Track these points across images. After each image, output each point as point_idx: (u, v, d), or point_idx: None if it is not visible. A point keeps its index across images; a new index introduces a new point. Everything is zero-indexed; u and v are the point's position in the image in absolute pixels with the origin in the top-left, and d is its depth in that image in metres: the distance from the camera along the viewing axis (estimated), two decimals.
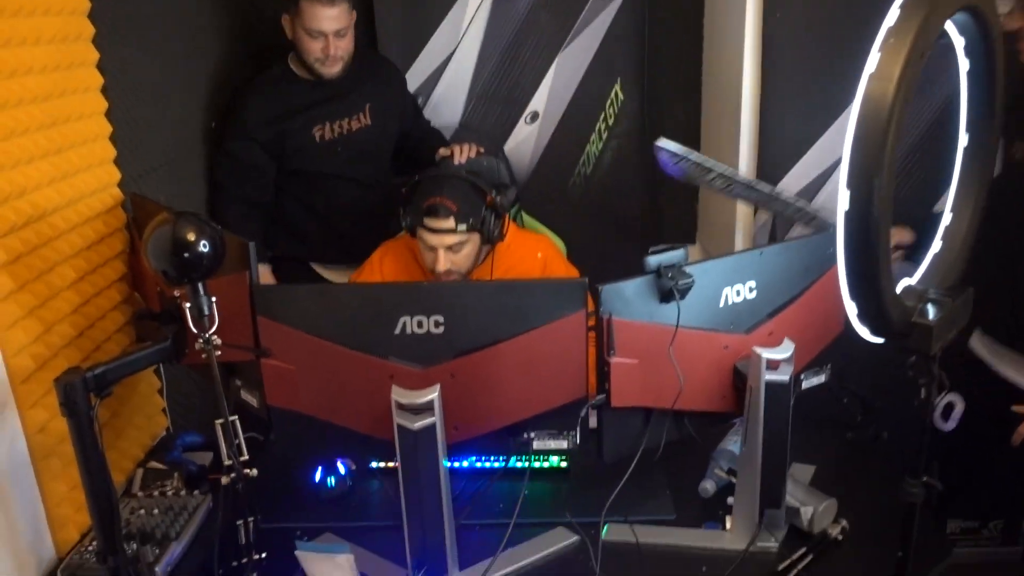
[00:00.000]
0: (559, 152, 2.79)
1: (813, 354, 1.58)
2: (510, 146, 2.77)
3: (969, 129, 1.25)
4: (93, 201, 1.70)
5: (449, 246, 1.88)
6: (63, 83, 1.60)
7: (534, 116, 2.75)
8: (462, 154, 2.30)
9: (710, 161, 1.99)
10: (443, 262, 1.88)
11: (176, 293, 1.44)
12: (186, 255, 1.32)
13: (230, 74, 2.43)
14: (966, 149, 1.26)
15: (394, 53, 2.63)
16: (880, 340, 1.14)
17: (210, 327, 1.36)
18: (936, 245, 1.27)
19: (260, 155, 2.31)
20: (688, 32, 2.78)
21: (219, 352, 1.36)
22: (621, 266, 2.63)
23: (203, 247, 1.33)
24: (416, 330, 1.38)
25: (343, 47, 2.27)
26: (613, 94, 2.76)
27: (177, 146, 2.11)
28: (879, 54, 0.97)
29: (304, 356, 1.41)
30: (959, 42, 1.16)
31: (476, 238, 1.92)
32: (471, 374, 1.38)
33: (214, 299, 1.37)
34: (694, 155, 1.96)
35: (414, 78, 2.70)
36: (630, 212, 2.87)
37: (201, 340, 1.35)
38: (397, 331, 1.38)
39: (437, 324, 1.37)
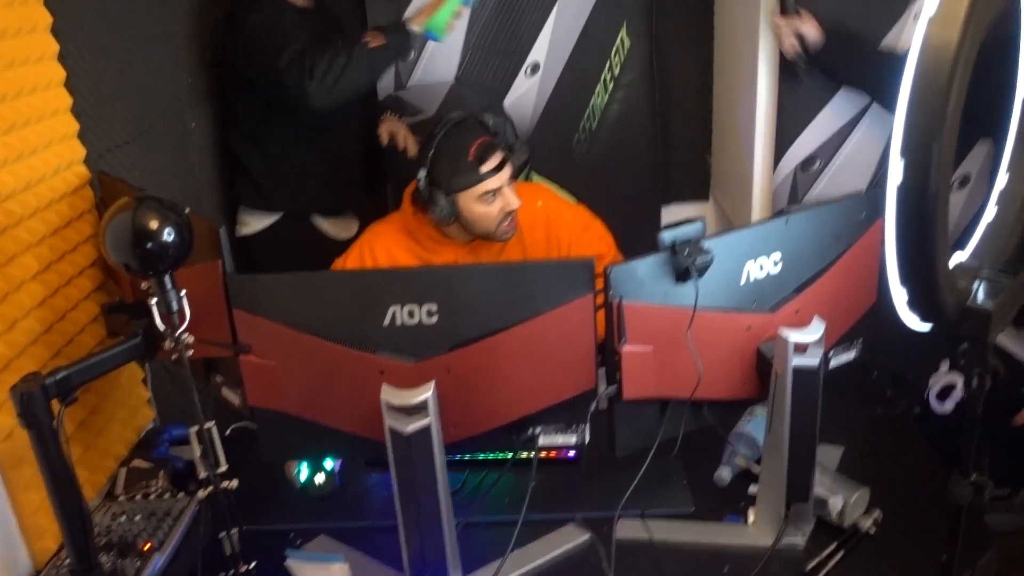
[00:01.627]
0: (562, 106, 2.61)
1: (843, 330, 1.45)
2: (510, 101, 2.59)
3: None
4: (55, 182, 1.56)
5: (508, 180, 1.75)
6: (12, 52, 1.45)
7: (535, 68, 2.57)
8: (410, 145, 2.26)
9: None
10: (516, 197, 1.74)
11: (143, 285, 1.31)
12: (149, 245, 1.19)
13: (202, 29, 2.26)
14: None
15: (381, 2, 2.45)
16: (928, 328, 1.00)
17: (180, 324, 1.23)
18: (990, 212, 1.12)
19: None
20: None
21: (191, 351, 1.24)
22: (631, 227, 2.48)
23: (168, 235, 1.20)
24: (407, 320, 1.25)
25: None
26: (619, 41, 2.57)
27: (149, 115, 1.96)
28: None
29: (286, 352, 1.28)
30: None
31: None
32: (469, 368, 1.26)
33: (184, 292, 1.24)
34: None
35: None
36: (639, 168, 2.70)
37: (170, 339, 1.23)
38: (386, 322, 1.25)
39: (430, 313, 1.24)
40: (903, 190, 0.84)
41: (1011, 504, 2.29)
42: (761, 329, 1.34)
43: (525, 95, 2.60)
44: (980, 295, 1.00)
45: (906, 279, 0.90)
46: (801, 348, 1.26)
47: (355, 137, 2.41)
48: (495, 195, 1.72)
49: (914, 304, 0.93)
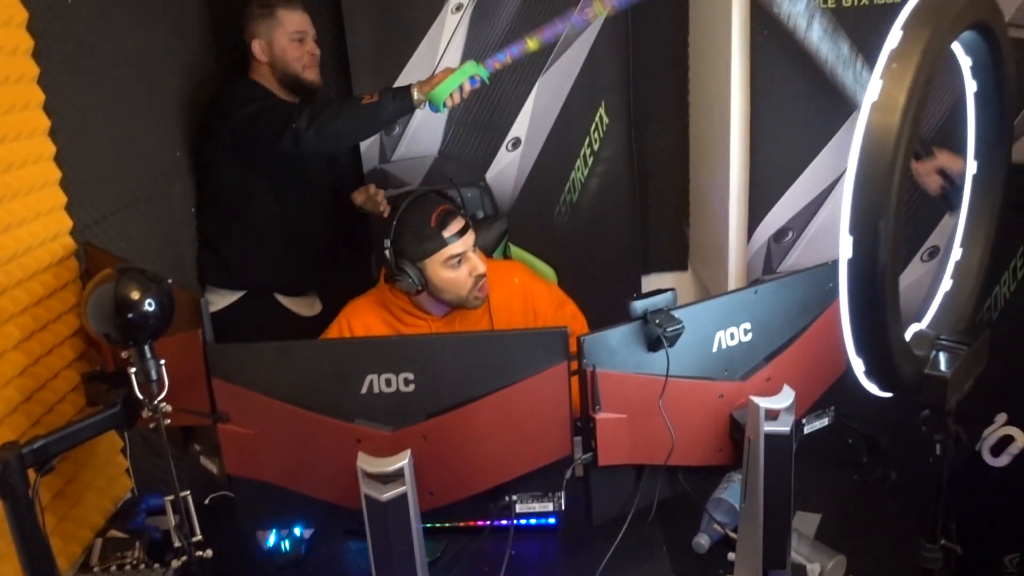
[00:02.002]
0: (543, 179, 2.69)
1: (815, 397, 1.48)
2: (492, 174, 2.67)
3: (978, 156, 1.15)
4: (41, 252, 1.59)
5: (472, 246, 1.79)
6: (3, 128, 1.49)
7: (516, 143, 2.66)
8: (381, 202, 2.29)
9: None
10: (482, 262, 1.78)
11: (124, 354, 1.32)
12: (130, 316, 1.22)
13: (188, 107, 2.35)
14: (975, 177, 1.16)
15: (369, 82, 2.54)
16: (889, 395, 1.03)
17: (159, 393, 1.25)
18: (946, 284, 1.17)
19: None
20: (673, 51, 2.70)
21: (169, 420, 1.25)
22: (611, 296, 2.52)
23: (148, 306, 1.23)
24: (384, 389, 1.27)
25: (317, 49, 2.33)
26: (598, 117, 2.66)
27: (135, 188, 2.00)
28: (881, 81, 0.87)
29: (264, 420, 1.30)
30: (965, 62, 1.07)
31: None
32: (445, 436, 1.27)
33: (163, 361, 1.26)
34: None
35: None
36: (619, 239, 2.76)
37: (149, 407, 1.24)
38: (364, 390, 1.27)
39: (407, 382, 1.27)
40: (853, 265, 0.88)
41: (997, 572, 2.28)
42: (733, 397, 1.37)
43: (507, 168, 2.68)
44: (941, 363, 1.04)
45: (860, 349, 0.94)
46: (772, 415, 1.28)
47: (321, 222, 2.46)
48: (460, 260, 1.77)
49: (870, 373, 0.96)
